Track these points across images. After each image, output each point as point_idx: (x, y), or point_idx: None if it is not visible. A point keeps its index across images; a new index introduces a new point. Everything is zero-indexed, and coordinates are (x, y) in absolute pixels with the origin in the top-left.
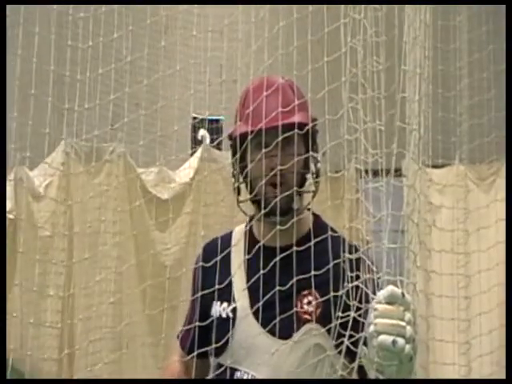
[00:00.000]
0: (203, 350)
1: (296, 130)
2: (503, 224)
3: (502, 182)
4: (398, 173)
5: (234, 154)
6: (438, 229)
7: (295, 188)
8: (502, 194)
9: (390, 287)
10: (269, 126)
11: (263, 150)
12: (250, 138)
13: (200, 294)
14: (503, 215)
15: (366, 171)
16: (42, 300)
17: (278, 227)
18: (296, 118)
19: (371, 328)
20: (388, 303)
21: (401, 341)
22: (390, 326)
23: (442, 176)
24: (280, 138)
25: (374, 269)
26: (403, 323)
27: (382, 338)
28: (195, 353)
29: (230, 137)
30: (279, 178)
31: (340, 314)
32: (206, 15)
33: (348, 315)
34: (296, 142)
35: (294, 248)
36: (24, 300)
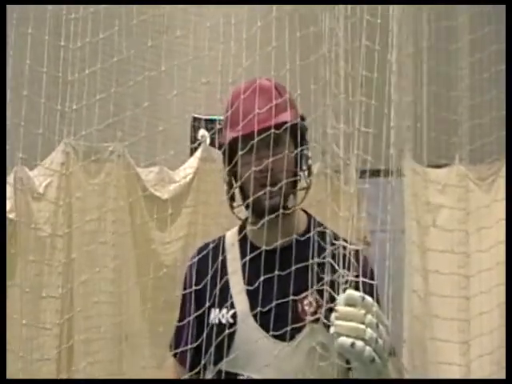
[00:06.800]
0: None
1: (291, 129)
2: (503, 224)
3: (502, 182)
4: (397, 173)
5: (224, 161)
6: (438, 229)
7: (279, 185)
8: (503, 194)
9: (348, 291)
10: (252, 130)
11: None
12: (226, 145)
13: (194, 299)
14: (503, 215)
15: (365, 171)
16: (41, 300)
17: (278, 226)
18: (280, 118)
19: (331, 329)
20: (349, 305)
21: (359, 343)
22: (348, 328)
23: (443, 176)
24: (256, 139)
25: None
26: (362, 326)
27: (341, 339)
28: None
29: (220, 146)
30: (270, 179)
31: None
32: (203, 14)
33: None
34: (285, 141)
35: (294, 249)
36: (23, 300)
